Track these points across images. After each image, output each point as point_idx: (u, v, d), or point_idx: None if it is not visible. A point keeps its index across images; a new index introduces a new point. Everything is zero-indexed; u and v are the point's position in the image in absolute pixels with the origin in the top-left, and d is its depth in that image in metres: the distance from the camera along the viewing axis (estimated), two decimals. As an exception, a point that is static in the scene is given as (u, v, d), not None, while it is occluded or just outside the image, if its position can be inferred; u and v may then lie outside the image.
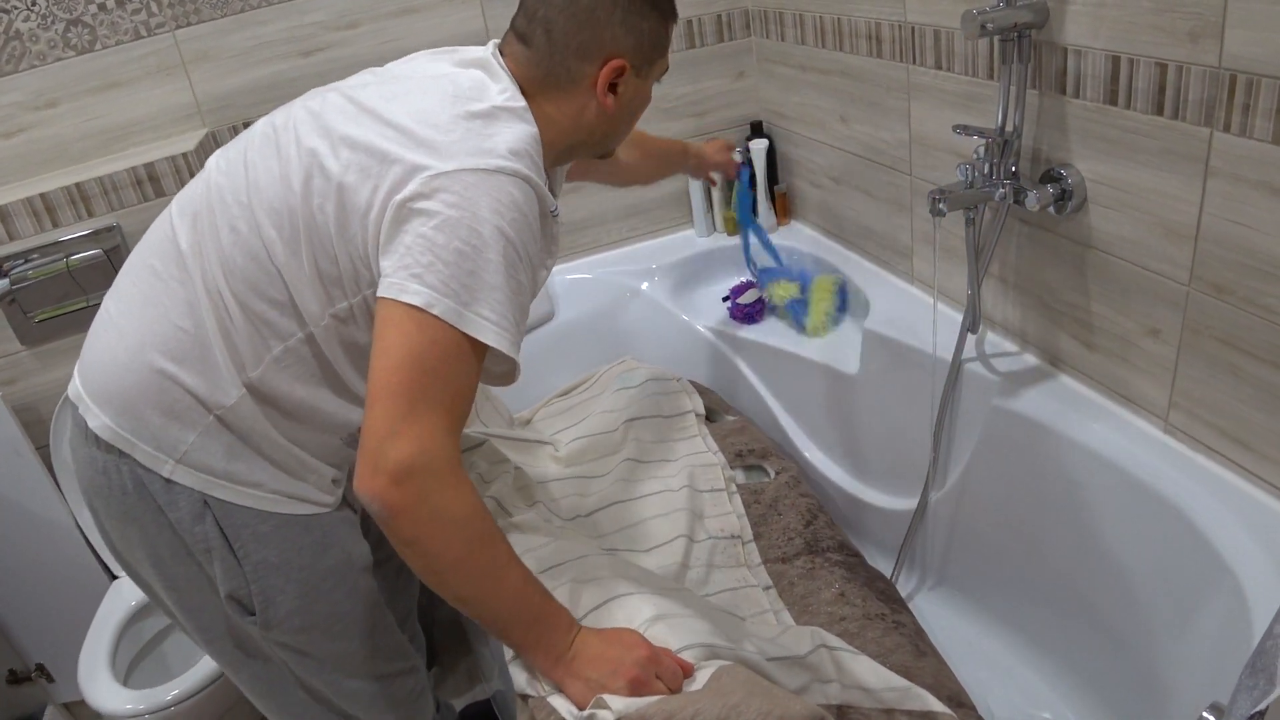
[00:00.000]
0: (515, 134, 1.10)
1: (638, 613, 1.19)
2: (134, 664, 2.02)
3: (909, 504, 1.90)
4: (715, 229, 2.53)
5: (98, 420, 1.16)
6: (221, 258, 1.13)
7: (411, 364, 1.00)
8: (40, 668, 2.27)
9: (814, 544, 1.61)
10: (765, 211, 2.43)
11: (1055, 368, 1.67)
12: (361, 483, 1.00)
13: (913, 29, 1.76)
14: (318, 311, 1.13)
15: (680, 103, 2.44)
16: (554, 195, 1.26)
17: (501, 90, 1.14)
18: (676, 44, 2.37)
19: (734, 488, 1.71)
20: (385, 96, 1.14)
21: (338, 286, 1.12)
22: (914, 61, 1.79)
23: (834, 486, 2.05)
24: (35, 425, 2.04)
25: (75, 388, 1.21)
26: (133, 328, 1.16)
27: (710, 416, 1.94)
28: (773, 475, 1.77)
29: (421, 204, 1.02)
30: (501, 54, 1.21)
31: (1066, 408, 1.57)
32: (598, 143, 1.29)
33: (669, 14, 1.25)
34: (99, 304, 1.88)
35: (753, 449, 1.82)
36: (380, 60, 2.14)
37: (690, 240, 2.50)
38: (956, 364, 1.73)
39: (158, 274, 1.17)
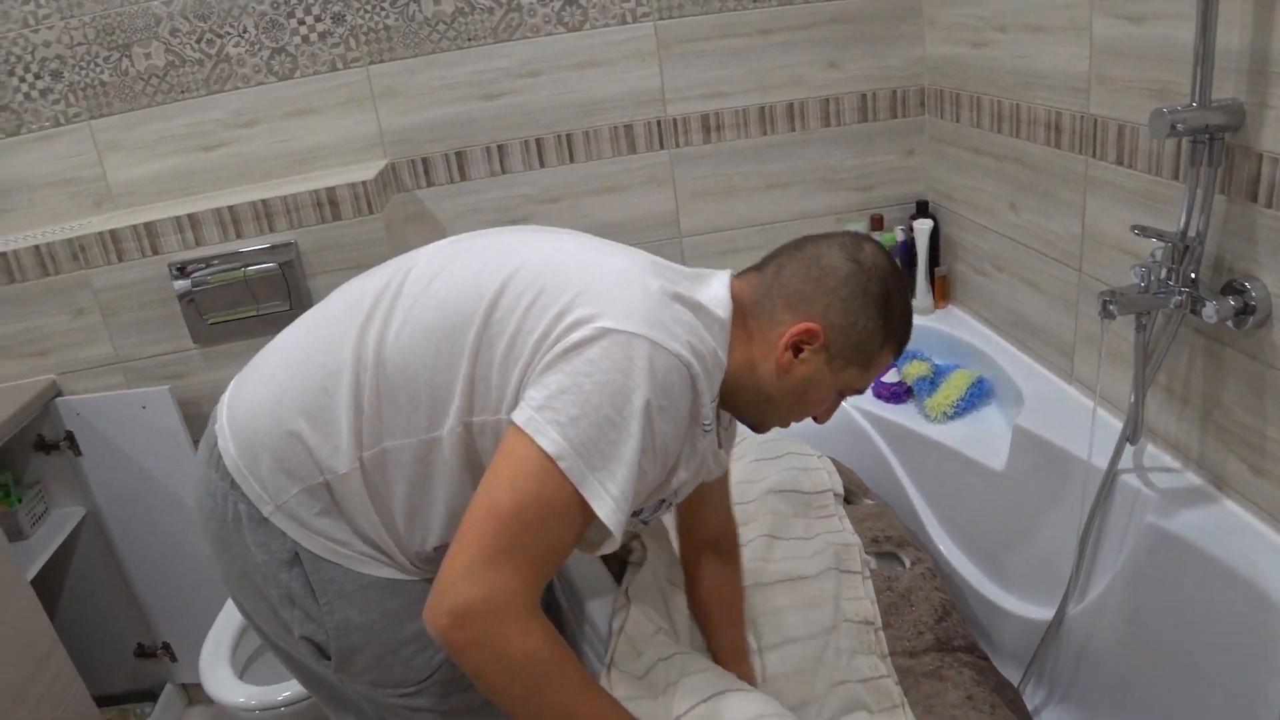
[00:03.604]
0: (703, 339, 1.10)
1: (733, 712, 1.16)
2: (251, 659, 2.08)
3: (1043, 613, 1.80)
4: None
5: (225, 444, 1.18)
6: (384, 337, 1.13)
7: (512, 511, 0.99)
8: (166, 646, 2.38)
9: (945, 641, 1.54)
10: (923, 293, 2.38)
11: (1219, 491, 1.56)
12: (427, 615, 1.00)
13: (1095, 121, 1.71)
14: (454, 419, 1.11)
15: (848, 175, 2.44)
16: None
17: (715, 296, 1.16)
18: (850, 115, 2.39)
19: (868, 572, 1.66)
20: (604, 248, 1.18)
21: (483, 400, 1.10)
22: (1094, 155, 1.73)
23: (966, 585, 1.97)
24: (195, 419, 2.16)
25: (220, 407, 1.24)
26: (286, 378, 1.18)
27: (848, 498, 1.90)
28: (908, 565, 1.71)
29: (591, 352, 1.02)
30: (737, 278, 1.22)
31: (1228, 535, 1.46)
32: (754, 404, 1.23)
33: (891, 335, 1.21)
34: (267, 315, 1.98)
35: (889, 536, 1.76)
36: (556, 106, 2.25)
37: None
38: (1112, 474, 1.64)
39: (329, 331, 1.18)
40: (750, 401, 1.22)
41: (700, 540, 1.50)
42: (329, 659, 1.22)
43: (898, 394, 2.18)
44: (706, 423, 1.13)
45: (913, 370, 2.16)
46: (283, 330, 1.27)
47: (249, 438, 1.17)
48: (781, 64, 2.31)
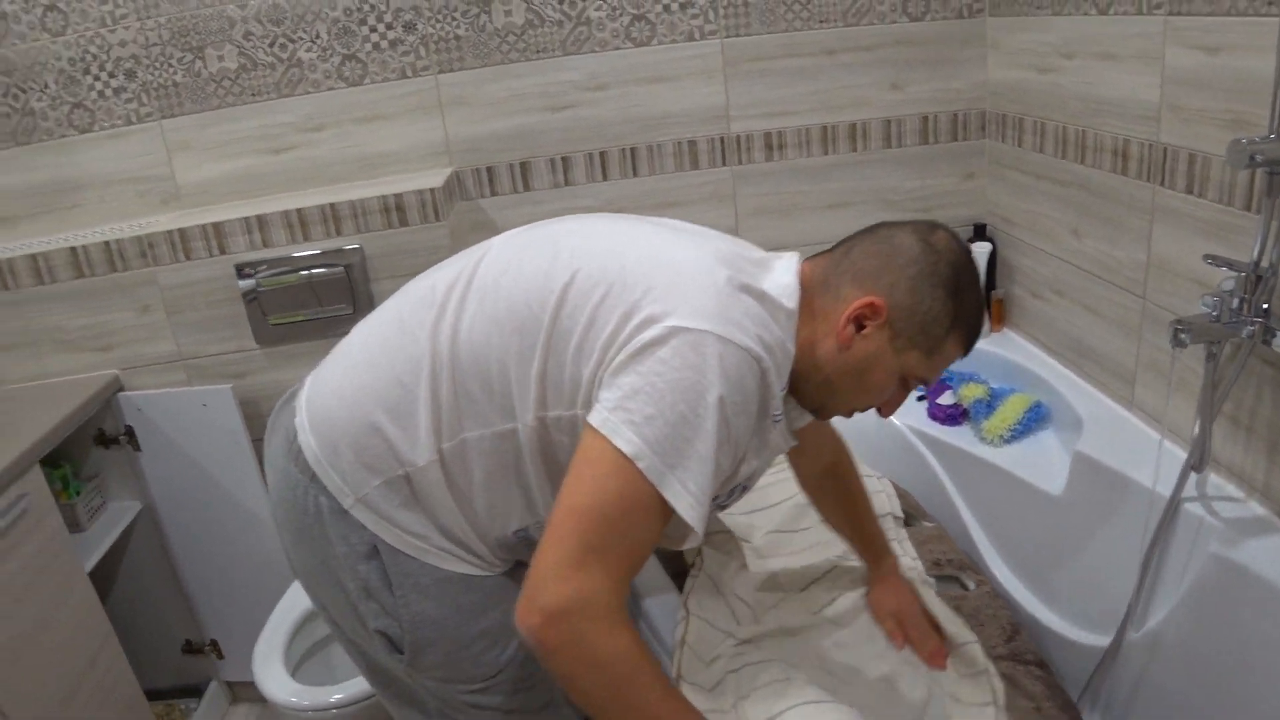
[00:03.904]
0: (770, 330, 1.10)
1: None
2: (303, 659, 2.10)
3: (1097, 640, 1.79)
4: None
5: (305, 438, 1.21)
6: (457, 329, 1.15)
7: (595, 510, 1.00)
8: (213, 643, 2.40)
9: (1016, 656, 1.55)
10: (977, 315, 2.39)
11: (1286, 522, 1.56)
12: (519, 614, 1.01)
13: (1165, 150, 1.71)
14: (529, 413, 1.13)
15: (907, 197, 2.45)
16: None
17: (780, 284, 1.14)
18: (911, 137, 2.40)
19: (932, 594, 1.65)
20: (669, 239, 1.17)
21: (556, 394, 1.11)
22: (1162, 183, 1.73)
23: (1020, 609, 1.96)
24: (254, 419, 2.19)
25: (299, 401, 1.26)
26: (363, 371, 1.20)
27: (907, 520, 1.89)
28: (972, 587, 1.71)
29: (662, 351, 1.02)
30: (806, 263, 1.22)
31: (1296, 567, 1.46)
32: (815, 386, 1.20)
33: (959, 322, 1.17)
34: (330, 318, 2.01)
35: (951, 559, 1.76)
36: (621, 120, 2.28)
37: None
38: (1175, 502, 1.64)
39: (402, 324, 1.20)
40: (811, 384, 1.19)
41: (815, 472, 1.54)
42: (402, 653, 1.23)
43: (953, 416, 2.18)
44: (777, 414, 1.14)
45: (969, 392, 2.16)
46: (357, 324, 1.30)
47: (328, 431, 1.19)
48: (845, 84, 2.32)
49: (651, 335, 1.03)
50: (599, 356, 1.07)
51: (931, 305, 1.14)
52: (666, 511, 1.02)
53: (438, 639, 1.22)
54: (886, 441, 2.22)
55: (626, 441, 1.00)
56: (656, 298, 1.06)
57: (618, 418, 1.01)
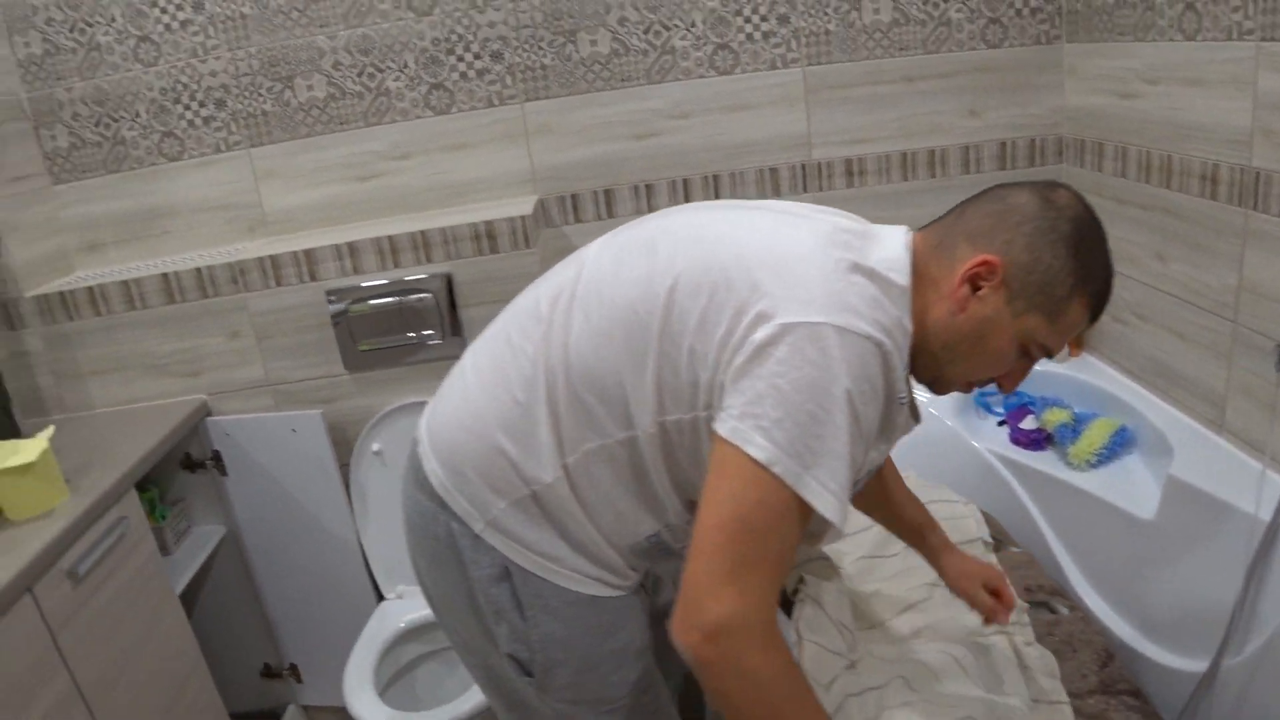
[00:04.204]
0: (887, 311, 1.06)
1: None
2: (389, 683, 2.11)
3: (1193, 665, 1.78)
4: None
5: (430, 465, 1.22)
6: (567, 343, 1.14)
7: (739, 522, 0.99)
8: (293, 667, 2.41)
9: (1109, 685, 1.54)
10: (1056, 340, 2.39)
11: (1394, 546, 1.55)
12: (677, 631, 1.01)
13: (1257, 174, 1.71)
14: (647, 419, 1.11)
15: (981, 222, 2.45)
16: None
17: (889, 259, 1.09)
18: (989, 163, 2.40)
19: (1026, 619, 1.65)
20: (770, 225, 1.13)
21: (674, 398, 1.09)
22: (1254, 207, 1.73)
23: (1111, 635, 1.95)
24: (340, 444, 2.21)
25: (421, 430, 1.28)
26: (479, 394, 1.21)
27: (996, 545, 1.89)
28: (1065, 613, 1.71)
29: (779, 350, 0.99)
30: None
31: None
32: (930, 356, 1.14)
33: (1083, 283, 1.10)
34: (420, 344, 2.02)
35: (1041, 585, 1.76)
36: (705, 147, 2.30)
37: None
38: (1275, 525, 1.63)
39: (511, 344, 1.20)
40: (927, 354, 1.14)
41: None
42: (531, 675, 1.24)
43: (1037, 441, 2.18)
44: (902, 396, 1.10)
45: (1052, 417, 2.16)
46: (469, 347, 1.30)
47: (451, 457, 1.20)
48: (924, 111, 2.34)
49: (766, 335, 1.00)
50: (715, 359, 1.05)
51: (1051, 263, 1.08)
52: (807, 513, 1.01)
53: (566, 659, 1.23)
54: (970, 467, 2.21)
55: (759, 448, 0.98)
56: (766, 293, 1.03)
57: (746, 425, 0.99)
